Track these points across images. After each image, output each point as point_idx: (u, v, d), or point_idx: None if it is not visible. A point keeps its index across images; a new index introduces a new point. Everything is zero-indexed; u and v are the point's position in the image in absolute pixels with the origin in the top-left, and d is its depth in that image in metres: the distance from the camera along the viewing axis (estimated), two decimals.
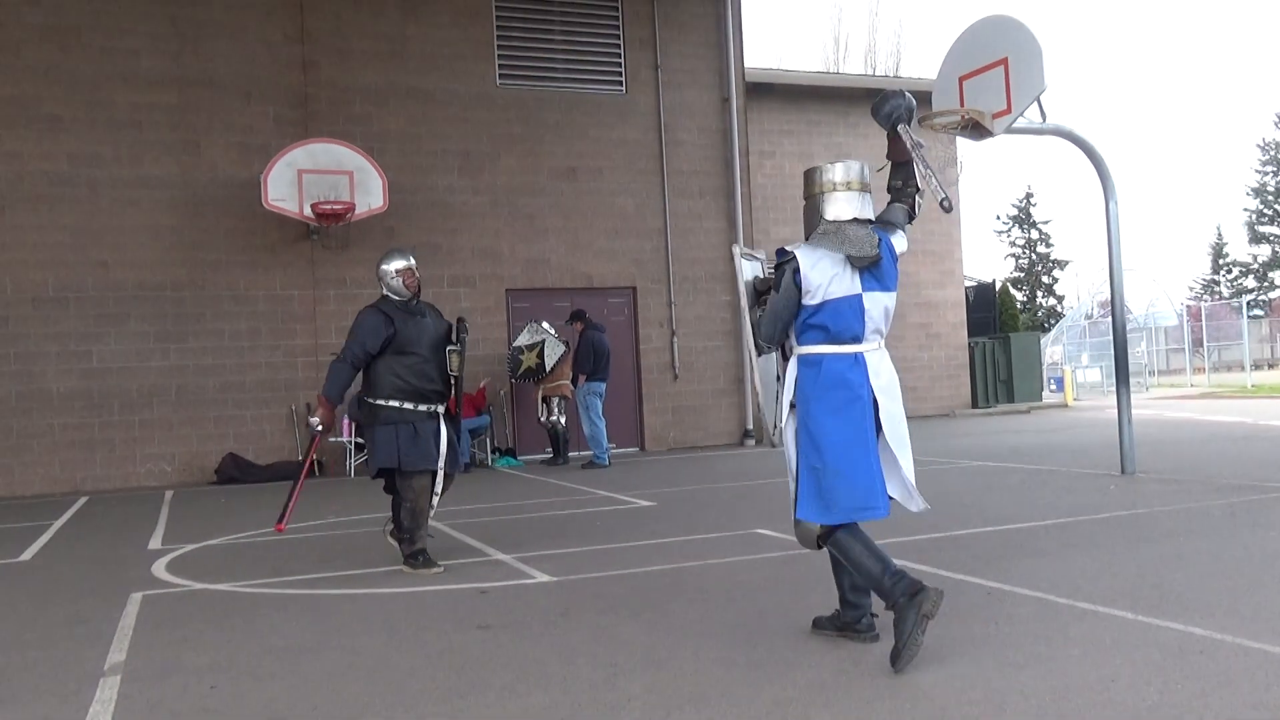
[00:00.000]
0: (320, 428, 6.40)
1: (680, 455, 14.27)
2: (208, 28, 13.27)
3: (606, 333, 13.46)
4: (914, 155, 4.39)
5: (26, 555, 7.65)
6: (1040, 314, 53.19)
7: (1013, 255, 56.68)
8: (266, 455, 13.17)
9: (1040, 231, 56.51)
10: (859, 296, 4.09)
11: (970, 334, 21.82)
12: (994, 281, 27.15)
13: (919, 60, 39.19)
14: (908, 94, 4.48)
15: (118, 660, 4.42)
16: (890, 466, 4.13)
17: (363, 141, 13.40)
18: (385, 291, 6.44)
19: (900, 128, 4.41)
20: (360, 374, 6.36)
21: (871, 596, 4.23)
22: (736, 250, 4.50)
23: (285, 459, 13.16)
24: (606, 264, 14.96)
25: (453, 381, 6.46)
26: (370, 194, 12.95)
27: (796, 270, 4.07)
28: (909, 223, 4.45)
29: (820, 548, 4.23)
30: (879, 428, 4.10)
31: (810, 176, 4.27)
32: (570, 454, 13.55)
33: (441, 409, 6.40)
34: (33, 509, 10.80)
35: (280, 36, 13.55)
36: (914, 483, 4.17)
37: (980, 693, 3.51)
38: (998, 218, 67.25)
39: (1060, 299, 55.87)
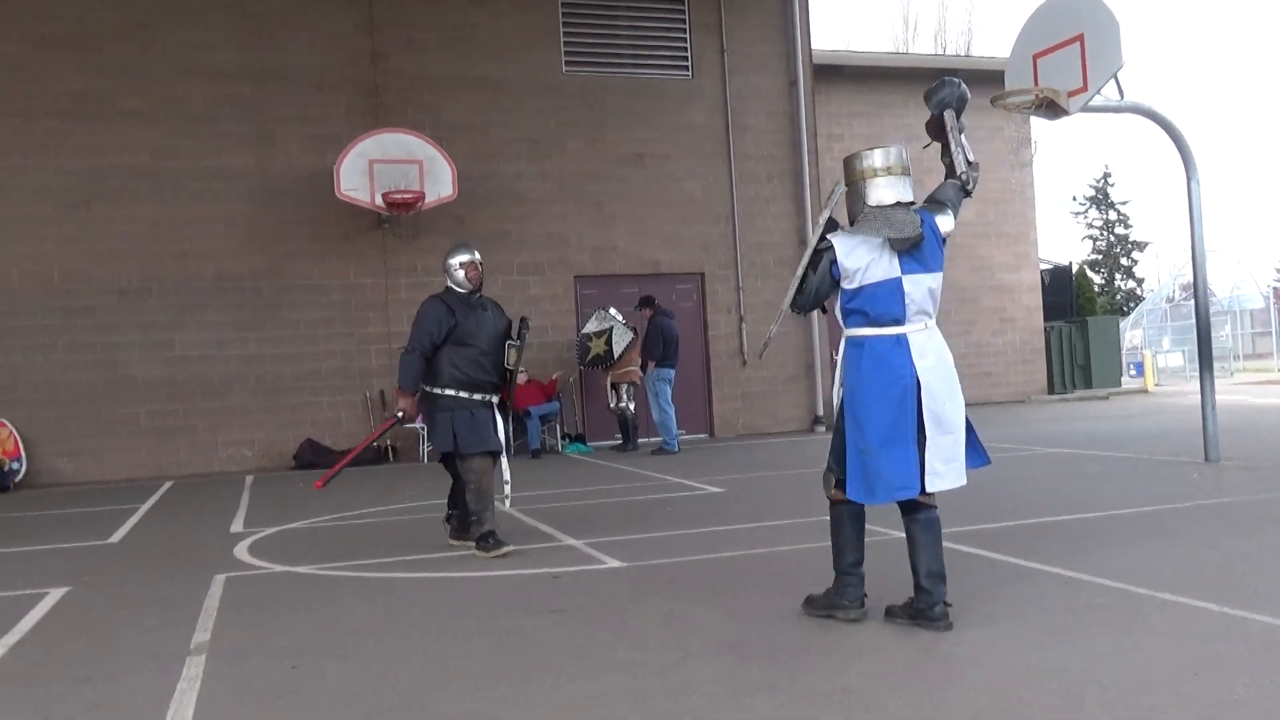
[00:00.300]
0: (403, 415, 6.57)
1: (749, 441, 14.24)
2: (280, 21, 13.51)
3: (675, 319, 13.47)
4: (949, 138, 4.44)
5: (115, 538, 7.91)
6: (1119, 297, 51.89)
7: (1090, 237, 55.34)
8: (343, 441, 13.42)
9: (1119, 212, 55.09)
10: (898, 280, 4.18)
11: (1046, 318, 21.36)
12: (1070, 264, 26.55)
13: (991, 38, 38.42)
14: (962, 83, 4.56)
15: (203, 640, 4.56)
16: (941, 446, 4.18)
17: (431, 130, 13.54)
18: (449, 283, 6.58)
19: (946, 113, 4.48)
20: (431, 360, 6.46)
21: (945, 585, 4.21)
22: (839, 190, 4.46)
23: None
24: (674, 250, 14.95)
25: (509, 375, 6.60)
26: (440, 183, 13.10)
27: (834, 260, 4.20)
28: (966, 196, 4.50)
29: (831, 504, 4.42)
30: (924, 409, 4.16)
31: (850, 163, 4.34)
32: (639, 440, 13.60)
33: (496, 399, 6.54)
34: (121, 493, 11.16)
35: (350, 27, 13.74)
36: (961, 458, 4.24)
37: (1057, 683, 3.45)
38: (1074, 199, 65.67)
39: (1140, 281, 54.44)
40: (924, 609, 4.19)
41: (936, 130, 4.53)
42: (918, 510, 4.25)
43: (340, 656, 4.20)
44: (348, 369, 13.58)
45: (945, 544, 5.74)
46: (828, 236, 4.27)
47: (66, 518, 9.32)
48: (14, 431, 12.30)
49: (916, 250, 4.20)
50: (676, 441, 12.98)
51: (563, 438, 14.02)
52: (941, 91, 4.52)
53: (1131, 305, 47.42)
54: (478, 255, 6.63)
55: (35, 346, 12.55)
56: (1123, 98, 9.09)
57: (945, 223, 4.39)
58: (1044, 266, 23.58)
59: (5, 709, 3.73)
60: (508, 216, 14.21)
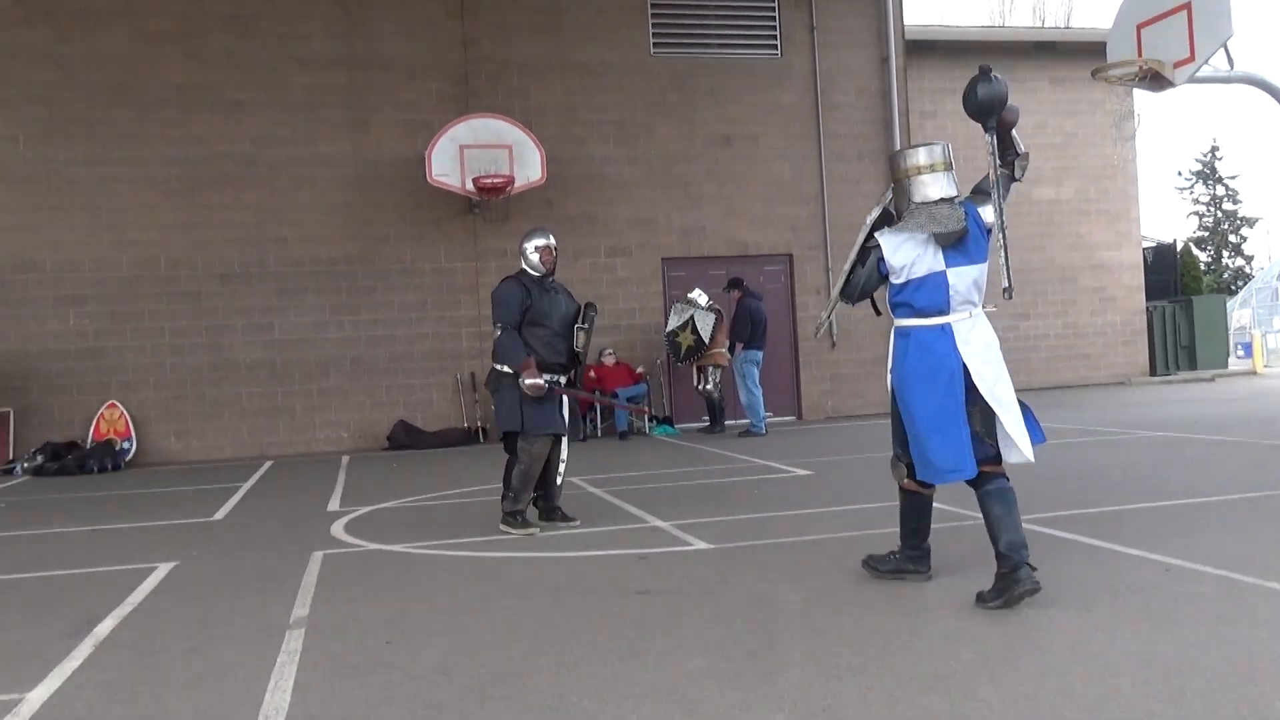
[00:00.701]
0: (542, 381, 6.45)
1: (838, 424, 14.10)
2: (374, 9, 13.75)
3: (764, 300, 13.38)
4: (994, 192, 4.53)
5: (219, 515, 8.20)
6: (1226, 275, 49.95)
7: (1196, 213, 53.32)
8: (434, 423, 13.69)
9: (1227, 187, 52.95)
10: (943, 273, 4.39)
11: (1149, 297, 20.66)
12: (1175, 241, 25.62)
13: (1092, 9, 37.14)
14: (999, 78, 4.50)
15: (301, 614, 4.70)
16: (1010, 422, 4.35)
17: (521, 115, 13.66)
18: (524, 265, 6.77)
19: (989, 134, 4.54)
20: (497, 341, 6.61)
21: (1027, 550, 4.22)
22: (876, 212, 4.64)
23: (452, 425, 13.65)
24: (762, 231, 14.84)
25: (577, 358, 6.73)
26: (529, 166, 13.20)
27: (881, 258, 4.45)
28: (1016, 180, 4.62)
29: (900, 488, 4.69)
30: (974, 394, 4.33)
31: (896, 161, 4.55)
32: (726, 422, 13.57)
33: (564, 380, 6.65)
34: (224, 471, 11.55)
35: (442, 14, 13.92)
36: (1018, 436, 4.36)
37: (1156, 672, 3.36)
38: (1179, 173, 63.43)
39: (1249, 259, 52.29)
40: (1008, 573, 4.16)
41: (1002, 132, 4.57)
42: (988, 482, 4.34)
43: (433, 633, 4.30)
44: (439, 351, 13.82)
45: (1041, 529, 5.65)
46: (875, 235, 4.47)
47: (173, 495, 9.69)
48: (125, 412, 12.82)
49: (960, 243, 4.38)
50: (764, 424, 12.93)
51: (650, 420, 14.06)
52: (978, 93, 4.47)
53: (1240, 284, 45.62)
54: (553, 240, 6.80)
55: (144, 331, 13.05)
56: (1232, 68, 8.74)
57: (988, 213, 4.52)
58: (1147, 244, 22.81)
59: (118, 676, 3.90)
60: (596, 199, 14.27)
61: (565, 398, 6.70)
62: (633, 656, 3.83)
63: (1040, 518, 6.16)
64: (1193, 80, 8.71)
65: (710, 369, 13.37)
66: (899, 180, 4.49)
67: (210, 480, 10.70)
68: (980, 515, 4.43)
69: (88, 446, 12.44)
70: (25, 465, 12.06)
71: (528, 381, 6.39)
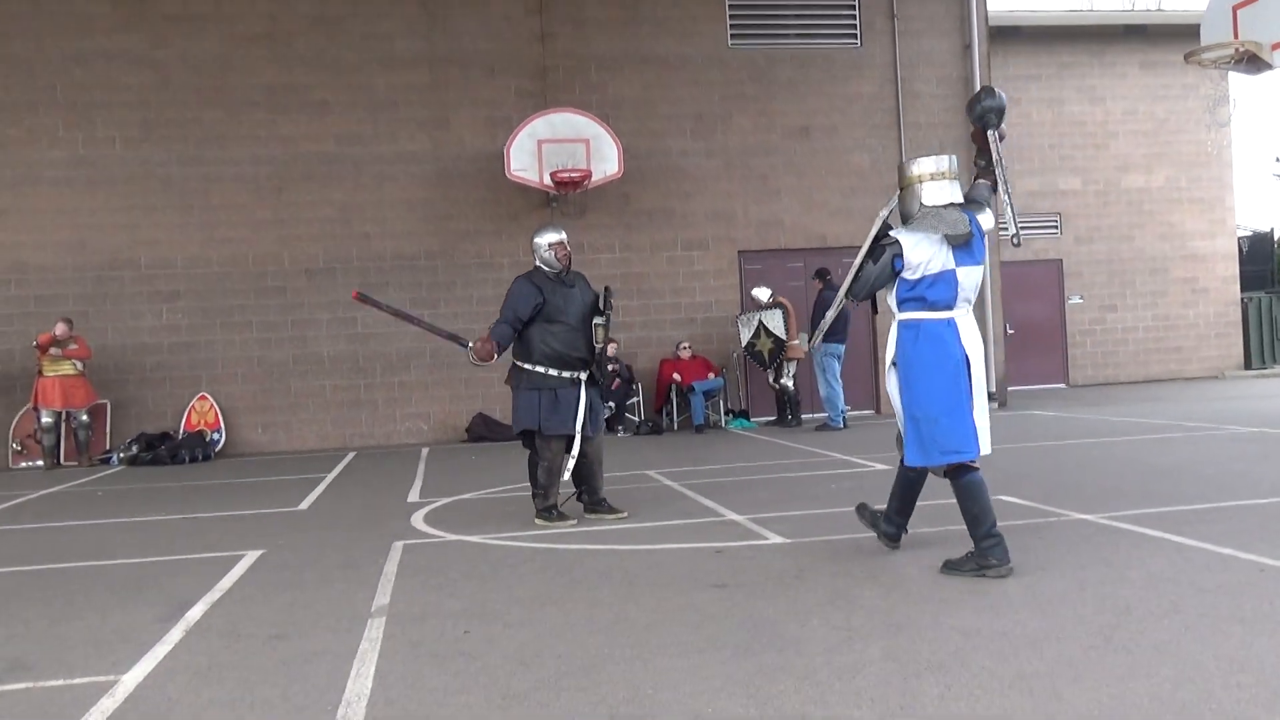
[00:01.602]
0: (473, 352, 6.74)
1: None
2: (454, 8, 13.91)
3: None
4: (996, 169, 5.05)
5: (304, 505, 8.40)
6: None
7: None
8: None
9: None
10: (953, 271, 4.81)
11: (1244, 288, 19.96)
12: (1272, 230, 24.71)
13: None
14: (1000, 93, 5.10)
15: (383, 603, 4.79)
16: (984, 412, 4.80)
17: (598, 109, 13.71)
18: (537, 263, 6.87)
19: (990, 133, 5.03)
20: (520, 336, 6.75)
21: (999, 531, 4.74)
22: (884, 213, 5.04)
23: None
24: (842, 223, 14.67)
25: (597, 352, 6.76)
26: (606, 160, 13.25)
27: (899, 255, 4.80)
28: (994, 191, 5.12)
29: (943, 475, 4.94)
30: (974, 381, 4.78)
31: (906, 168, 4.94)
32: (803, 416, 13.46)
33: (584, 375, 6.72)
34: (309, 462, 11.82)
35: (520, 10, 14.03)
36: (986, 430, 4.82)
37: (1251, 676, 3.25)
38: (1277, 159, 61.04)
39: None
40: (989, 548, 4.69)
41: (981, 140, 5.11)
42: (967, 473, 4.78)
43: (511, 623, 4.34)
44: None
45: (1128, 526, 5.54)
46: (891, 234, 4.84)
47: (261, 485, 9.95)
48: (215, 404, 13.20)
49: (967, 245, 4.82)
50: (843, 418, 12.80)
51: (726, 413, 14.02)
52: (981, 104, 5.05)
53: None
54: (565, 235, 6.92)
55: (233, 325, 13.42)
56: None
57: (986, 220, 5.03)
58: (1242, 233, 22.04)
59: (208, 660, 4.02)
60: (673, 193, 14.26)
61: (583, 399, 6.68)
62: (709, 650, 3.82)
63: (1127, 514, 6.01)
64: None
65: (785, 363, 13.29)
66: (908, 186, 4.89)
67: (295, 471, 10.96)
68: (957, 501, 4.88)
69: (180, 437, 12.84)
70: (121, 455, 12.51)
71: (474, 350, 6.66)
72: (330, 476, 10.32)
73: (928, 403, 4.76)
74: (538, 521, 6.72)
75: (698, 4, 14.42)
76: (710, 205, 14.38)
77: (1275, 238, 23.73)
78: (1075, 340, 18.86)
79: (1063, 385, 18.66)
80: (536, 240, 6.90)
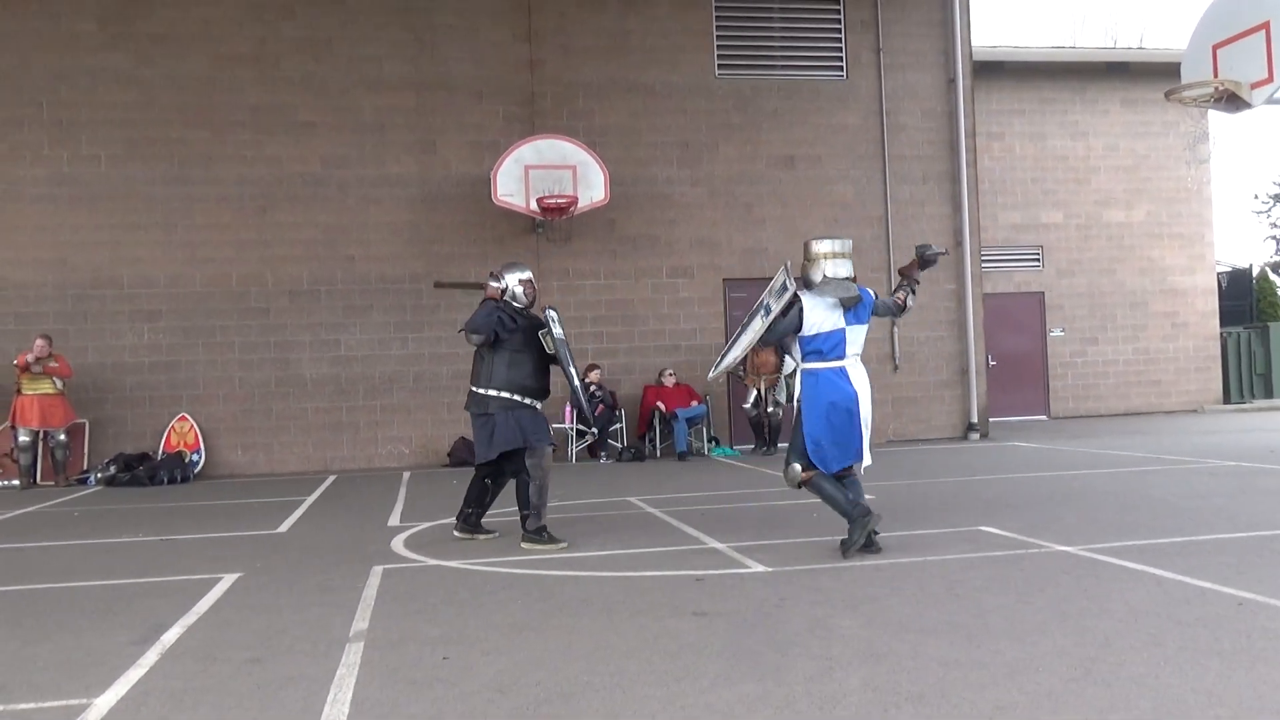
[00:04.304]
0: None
1: (900, 448, 13.92)
2: (442, 33, 13.98)
3: None
4: (914, 285, 6.47)
5: (283, 527, 8.34)
6: None
7: (1273, 237, 51.75)
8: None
9: None
10: (842, 330, 6.14)
11: (1223, 323, 20.15)
12: (1251, 266, 24.97)
13: (1166, 29, 36.45)
14: (944, 252, 6.81)
15: (361, 628, 4.75)
16: (868, 439, 6.23)
17: (585, 136, 13.77)
18: (506, 298, 7.05)
19: (920, 274, 6.48)
20: (483, 363, 6.94)
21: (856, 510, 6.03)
22: (781, 275, 6.20)
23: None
24: None
25: (558, 360, 6.98)
26: (592, 187, 13.29)
27: (801, 312, 6.10)
28: (898, 314, 6.49)
29: (799, 487, 6.31)
30: (862, 416, 6.15)
31: (810, 247, 6.24)
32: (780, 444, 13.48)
33: (540, 405, 6.99)
34: (289, 485, 11.74)
35: (509, 37, 14.11)
36: (868, 451, 6.27)
37: (1230, 710, 3.25)
38: (1255, 196, 61.67)
39: None
40: (857, 519, 6.01)
41: (912, 272, 6.43)
42: (847, 475, 6.26)
43: (489, 650, 4.31)
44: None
45: (1108, 559, 5.57)
46: (799, 294, 6.11)
47: (240, 508, 9.87)
48: (195, 425, 13.11)
49: (856, 308, 6.15)
50: None
51: (709, 440, 14.02)
52: (932, 263, 6.47)
53: None
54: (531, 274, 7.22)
55: (215, 345, 13.35)
56: None
57: (870, 294, 6.29)
58: (1221, 269, 22.26)
59: (183, 685, 3.97)
60: (658, 220, 14.32)
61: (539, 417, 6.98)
62: (688, 679, 3.80)
63: (1107, 547, 6.03)
64: (1271, 102, 8.52)
65: (766, 389, 13.32)
66: (814, 259, 6.17)
67: (275, 494, 10.88)
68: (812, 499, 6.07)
69: (159, 458, 12.74)
70: (99, 475, 12.39)
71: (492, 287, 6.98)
72: (310, 499, 10.24)
73: (826, 433, 6.08)
74: (524, 545, 6.73)
75: (685, 33, 14.54)
76: (695, 233, 14.44)
77: (1254, 274, 23.96)
78: (1056, 372, 18.98)
79: (1044, 417, 18.75)
80: (507, 277, 7.09)
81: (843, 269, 6.13)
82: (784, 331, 6.16)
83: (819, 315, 6.08)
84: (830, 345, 6.09)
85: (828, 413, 6.05)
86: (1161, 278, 19.33)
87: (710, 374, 6.89)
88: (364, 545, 7.20)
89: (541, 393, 7.01)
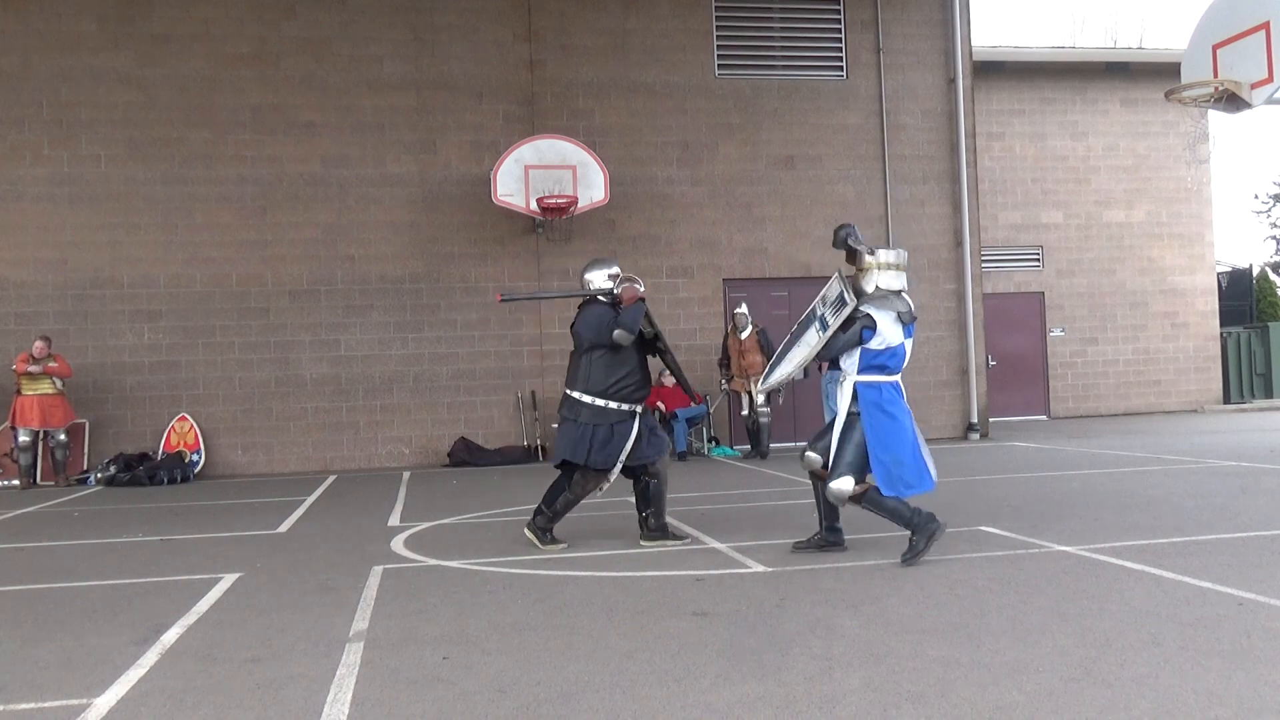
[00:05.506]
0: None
1: None
2: (443, 33, 13.98)
3: None
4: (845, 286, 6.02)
5: (283, 527, 8.34)
6: None
7: (1273, 237, 51.75)
8: (495, 440, 13.79)
9: None
10: (904, 345, 5.92)
11: (1223, 323, 20.16)
12: (1251, 266, 24.98)
13: (1166, 29, 36.48)
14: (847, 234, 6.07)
15: (361, 628, 4.75)
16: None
17: (585, 136, 13.77)
18: (598, 296, 6.76)
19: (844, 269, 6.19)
20: (581, 365, 6.63)
21: (842, 526, 6.20)
22: (835, 282, 5.94)
23: (512, 443, 13.74)
24: (825, 252, 14.70)
25: (657, 342, 6.76)
26: (592, 187, 13.30)
27: (871, 327, 5.79)
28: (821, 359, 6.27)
29: (849, 504, 5.94)
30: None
31: (866, 256, 5.90)
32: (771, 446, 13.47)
33: (640, 409, 6.67)
34: (289, 485, 11.74)
35: (510, 37, 14.11)
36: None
37: (1230, 710, 3.25)
38: (1255, 196, 61.66)
39: None
40: (834, 542, 6.17)
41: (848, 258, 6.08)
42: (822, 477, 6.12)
43: (489, 649, 4.31)
44: (501, 369, 13.94)
45: (1107, 559, 5.57)
46: (864, 309, 5.79)
47: (240, 508, 9.87)
48: (195, 425, 13.11)
49: (910, 324, 5.94)
50: None
51: (709, 440, 14.02)
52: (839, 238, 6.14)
53: None
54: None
55: (215, 345, 13.36)
56: None
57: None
58: (1221, 269, 22.28)
59: (183, 685, 3.97)
60: (658, 220, 14.32)
61: (634, 432, 6.62)
62: (688, 679, 3.81)
63: (1107, 547, 6.03)
64: (1271, 102, 8.52)
65: (769, 393, 13.30)
66: (865, 269, 5.88)
67: (275, 494, 10.88)
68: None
69: (159, 458, 12.74)
70: (99, 475, 12.39)
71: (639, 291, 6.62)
72: (310, 499, 10.24)
73: (897, 449, 5.76)
74: (527, 532, 6.79)
75: (685, 33, 14.54)
76: (695, 233, 14.45)
77: (1254, 274, 23.96)
78: (1056, 372, 18.98)
79: (1044, 417, 18.75)
80: (596, 271, 6.78)
81: (896, 282, 5.89)
82: (844, 346, 5.85)
83: (887, 329, 5.80)
84: (897, 361, 5.87)
85: (905, 427, 5.79)
86: (1161, 278, 19.33)
87: (759, 387, 6.79)
88: (364, 545, 7.19)
89: (642, 397, 6.64)
